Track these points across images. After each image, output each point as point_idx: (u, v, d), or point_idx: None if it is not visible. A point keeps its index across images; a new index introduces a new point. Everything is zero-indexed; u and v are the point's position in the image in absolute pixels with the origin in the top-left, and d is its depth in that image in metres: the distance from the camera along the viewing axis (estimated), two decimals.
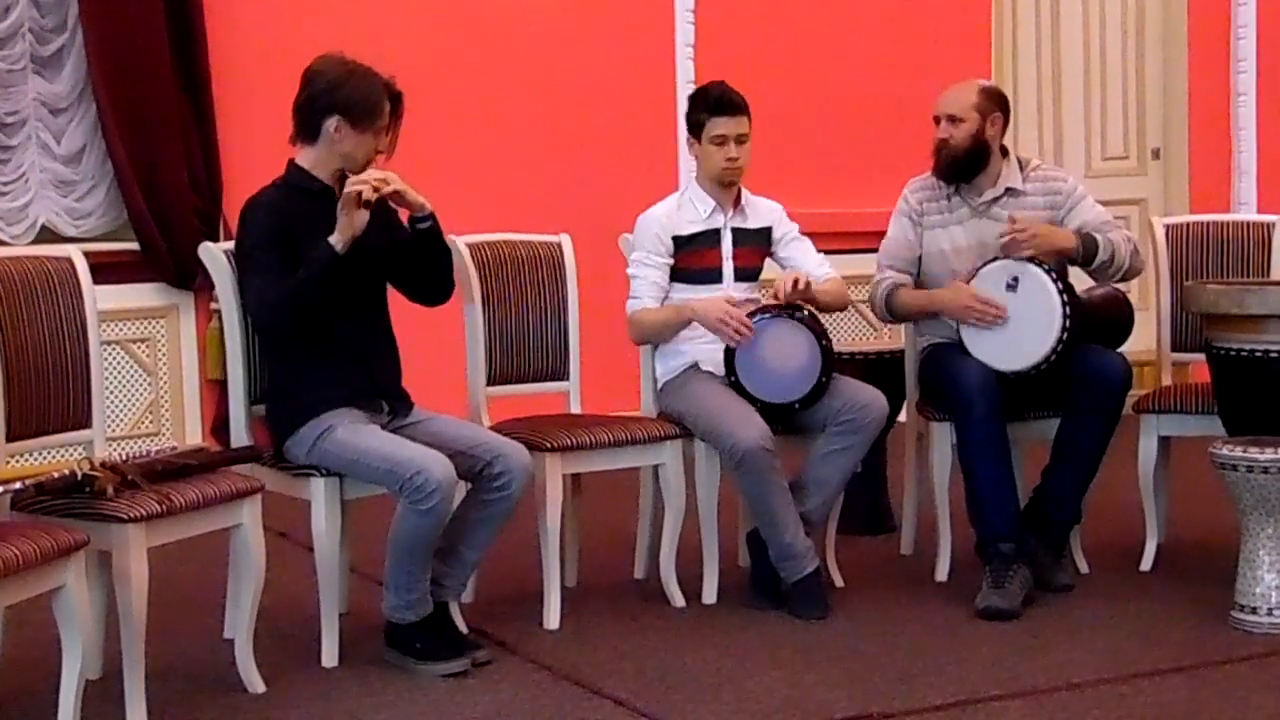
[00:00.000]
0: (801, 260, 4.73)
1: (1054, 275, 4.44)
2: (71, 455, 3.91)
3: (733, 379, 4.48)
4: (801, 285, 4.46)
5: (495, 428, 4.40)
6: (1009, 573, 4.40)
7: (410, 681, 3.92)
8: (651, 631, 4.34)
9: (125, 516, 3.55)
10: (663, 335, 4.65)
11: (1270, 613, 4.18)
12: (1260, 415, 4.35)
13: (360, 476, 3.99)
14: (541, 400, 4.78)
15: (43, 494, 3.64)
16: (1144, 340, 5.24)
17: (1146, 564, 4.83)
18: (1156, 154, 7.91)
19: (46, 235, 6.29)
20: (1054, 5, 7.86)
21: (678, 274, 4.67)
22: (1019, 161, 4.83)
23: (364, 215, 3.92)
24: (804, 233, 4.84)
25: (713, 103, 4.64)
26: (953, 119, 4.69)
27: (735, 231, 4.70)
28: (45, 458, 3.88)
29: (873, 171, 6.68)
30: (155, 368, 6.42)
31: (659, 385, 4.71)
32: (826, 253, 4.84)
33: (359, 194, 3.92)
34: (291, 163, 4.13)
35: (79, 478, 3.60)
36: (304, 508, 4.03)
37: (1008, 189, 4.72)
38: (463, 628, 4.16)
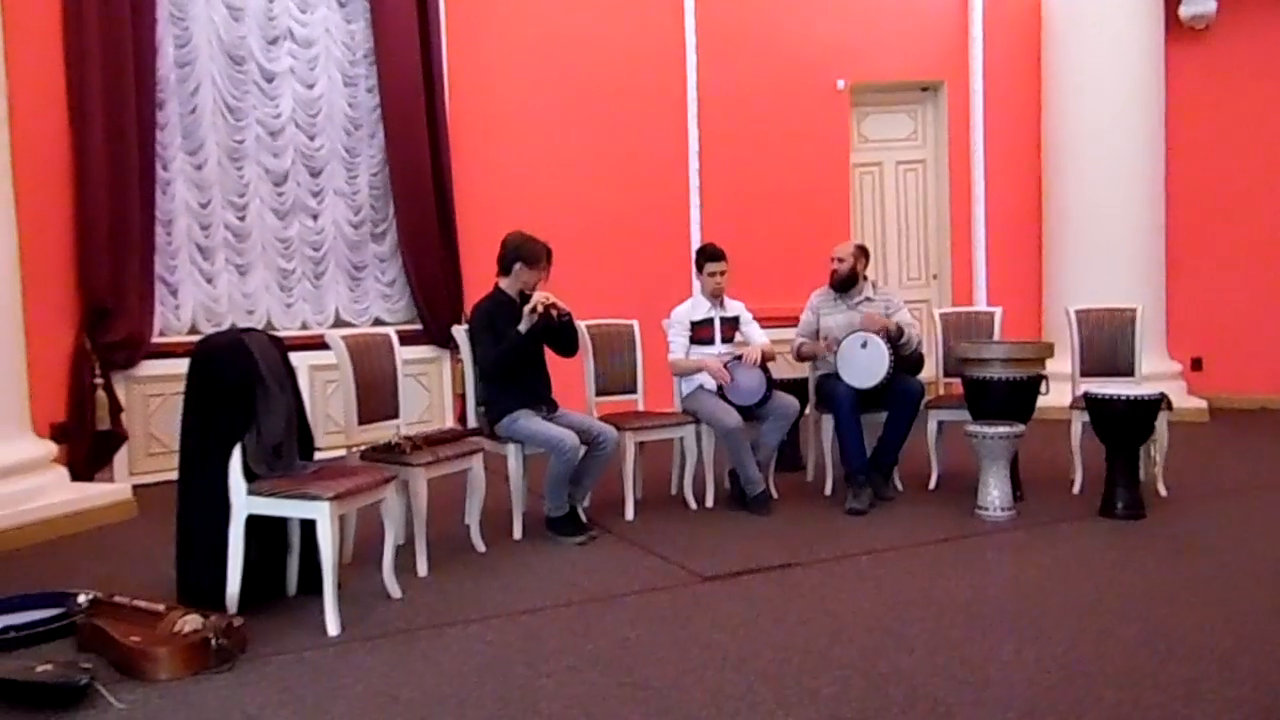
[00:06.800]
0: (753, 333, 4.71)
1: (887, 339, 4.44)
2: (389, 432, 3.87)
3: (721, 393, 4.53)
4: (758, 360, 4.50)
5: (601, 418, 4.41)
6: (862, 490, 4.42)
7: (558, 546, 3.97)
8: (680, 520, 4.34)
9: (416, 463, 3.61)
10: (685, 372, 4.66)
11: (995, 510, 4.19)
12: (987, 410, 4.37)
13: (533, 444, 4.01)
14: (623, 404, 4.77)
15: (376, 452, 3.71)
16: (931, 372, 5.24)
17: (931, 485, 4.80)
18: (935, 276, 7.89)
19: (378, 322, 6.31)
20: (879, 197, 7.85)
21: (693, 340, 4.67)
22: (872, 284, 4.82)
23: (537, 318, 3.98)
24: (754, 315, 4.81)
25: (708, 255, 4.66)
26: (841, 260, 4.71)
27: (721, 319, 4.70)
28: (377, 434, 3.95)
29: (787, 284, 6.56)
30: (430, 388, 6.39)
31: (683, 397, 4.70)
32: (765, 326, 4.89)
33: (540, 311, 3.97)
34: (496, 285, 4.17)
35: (393, 444, 3.73)
36: (504, 460, 4.09)
37: (866, 297, 4.73)
38: (584, 519, 4.17)
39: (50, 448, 4.62)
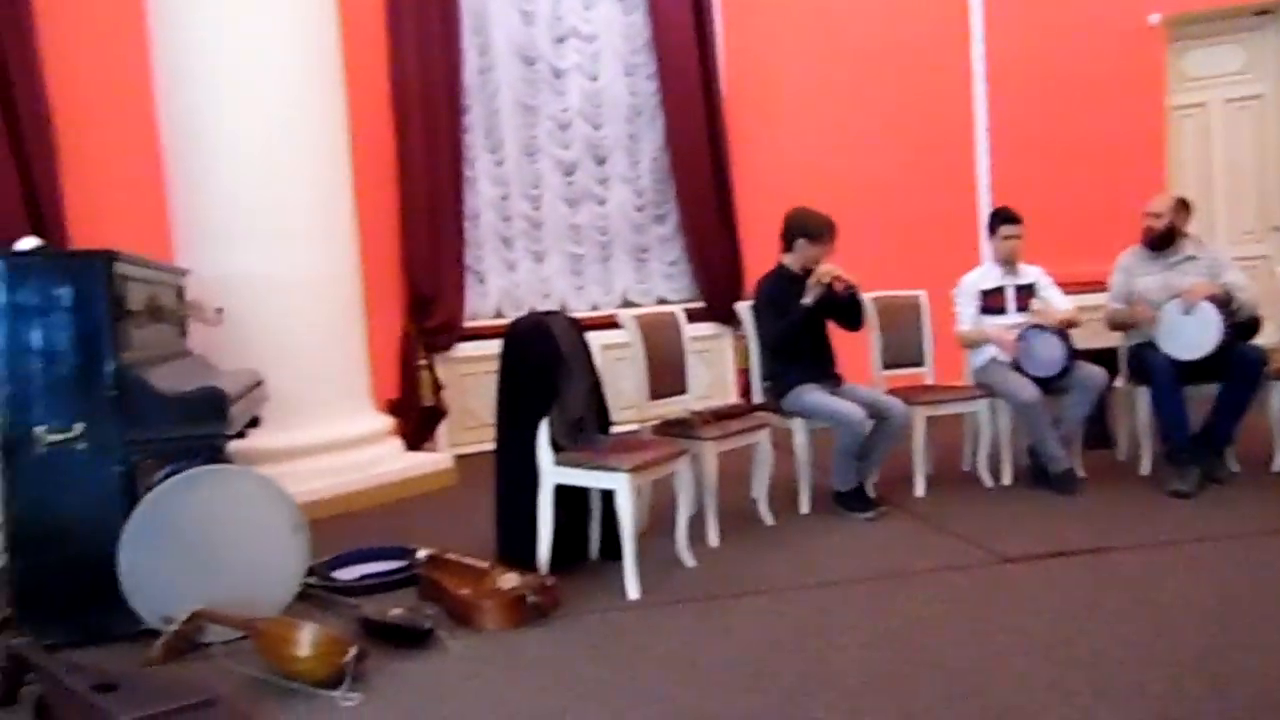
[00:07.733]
0: (1053, 299, 4.45)
1: (1215, 302, 4.05)
2: (678, 407, 4.01)
3: (1018, 365, 4.30)
4: (1054, 326, 4.25)
5: (888, 392, 4.29)
6: (1188, 470, 4.05)
7: (845, 521, 3.95)
8: (975, 498, 4.19)
9: (705, 437, 3.73)
10: (973, 344, 4.49)
11: None
12: None
13: (819, 418, 4.02)
14: (911, 377, 4.67)
15: (668, 426, 3.85)
16: (1272, 338, 4.63)
17: (1276, 467, 4.29)
18: (1276, 228, 6.91)
19: (661, 301, 6.50)
20: (1204, 141, 7.02)
21: (985, 309, 4.48)
22: (1195, 240, 4.40)
23: (822, 290, 3.98)
24: (1054, 281, 4.54)
25: (1003, 218, 4.46)
26: (1157, 215, 4.33)
27: (1015, 286, 4.49)
28: (666, 409, 4.06)
29: (1091, 246, 6.14)
30: (713, 364, 6.50)
31: (974, 369, 4.52)
32: (1067, 292, 4.58)
33: (826, 282, 3.96)
34: (780, 262, 4.20)
35: (684, 419, 3.85)
36: (789, 434, 4.10)
37: (1187, 256, 4.32)
38: (871, 494, 4.13)
39: (388, 421, 5.24)
